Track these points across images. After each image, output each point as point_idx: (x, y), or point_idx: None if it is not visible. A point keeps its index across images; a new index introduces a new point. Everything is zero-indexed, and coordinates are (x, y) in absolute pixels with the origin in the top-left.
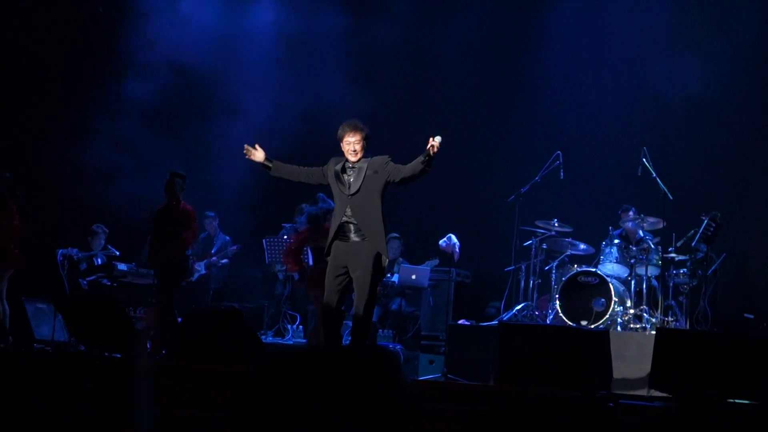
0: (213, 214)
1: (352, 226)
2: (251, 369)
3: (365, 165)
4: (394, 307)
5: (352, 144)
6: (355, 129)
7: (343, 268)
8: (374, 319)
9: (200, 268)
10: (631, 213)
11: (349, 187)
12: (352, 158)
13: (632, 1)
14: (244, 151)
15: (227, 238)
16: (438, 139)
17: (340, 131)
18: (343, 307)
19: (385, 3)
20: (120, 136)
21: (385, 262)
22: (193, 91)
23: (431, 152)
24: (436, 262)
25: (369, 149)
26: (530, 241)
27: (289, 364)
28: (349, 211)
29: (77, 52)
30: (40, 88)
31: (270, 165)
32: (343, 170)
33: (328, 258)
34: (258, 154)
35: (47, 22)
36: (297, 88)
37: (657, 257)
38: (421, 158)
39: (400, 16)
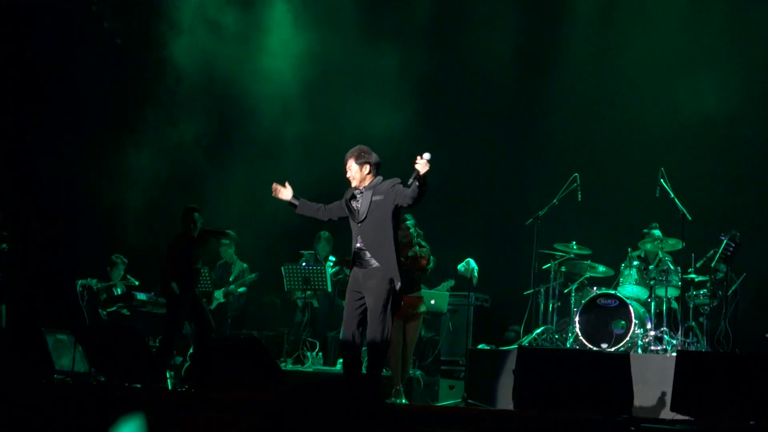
0: (228, 241)
1: (364, 253)
2: (272, 399)
3: (372, 190)
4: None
5: (348, 171)
6: (349, 156)
7: (359, 294)
8: None
9: (218, 296)
10: (656, 231)
11: (358, 214)
12: (353, 184)
13: (648, 20)
14: (273, 189)
15: (245, 265)
16: (426, 156)
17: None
18: (362, 334)
19: (401, 29)
20: (140, 168)
21: (398, 286)
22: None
23: (420, 173)
24: (451, 283)
25: (383, 173)
26: (549, 264)
27: (304, 394)
28: (359, 238)
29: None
30: (63, 119)
31: (296, 203)
32: (353, 198)
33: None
34: (286, 193)
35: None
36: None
37: (677, 278)
38: (410, 181)
39: (415, 42)
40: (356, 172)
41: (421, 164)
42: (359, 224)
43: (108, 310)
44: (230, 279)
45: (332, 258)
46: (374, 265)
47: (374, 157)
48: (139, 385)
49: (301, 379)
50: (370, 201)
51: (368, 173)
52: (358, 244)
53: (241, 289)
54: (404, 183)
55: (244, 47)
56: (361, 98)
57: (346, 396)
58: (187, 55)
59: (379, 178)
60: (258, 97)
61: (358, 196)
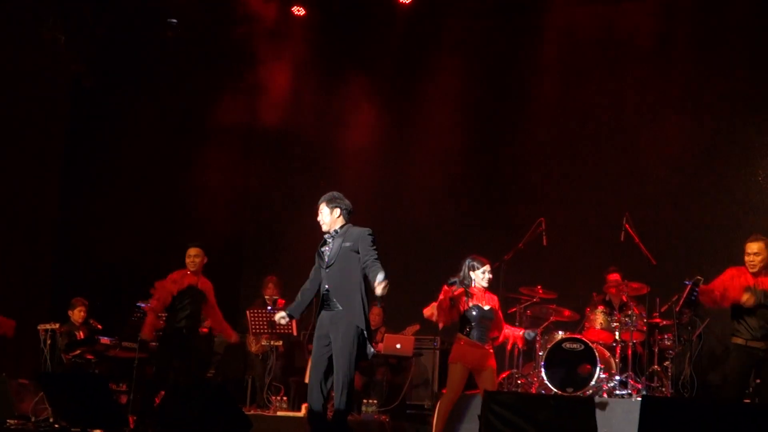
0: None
1: (331, 298)
2: None
3: (342, 237)
4: (378, 376)
5: (319, 214)
6: (321, 200)
7: (327, 338)
8: (359, 388)
9: None
10: (614, 275)
11: (327, 259)
12: (323, 228)
13: (614, 68)
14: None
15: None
16: (380, 283)
17: None
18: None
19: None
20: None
21: (365, 334)
22: None
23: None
24: (416, 327)
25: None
26: (515, 309)
27: None
28: (326, 284)
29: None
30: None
31: (295, 317)
32: (323, 244)
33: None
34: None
35: None
36: None
37: (641, 323)
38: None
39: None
40: (327, 216)
41: (380, 290)
42: (326, 269)
43: (70, 353)
44: None
45: None
46: (339, 309)
47: (346, 203)
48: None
49: (267, 425)
50: (340, 247)
51: (338, 217)
52: (326, 286)
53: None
54: (373, 240)
55: None
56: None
57: None
58: None
59: (349, 225)
60: None
61: (329, 240)
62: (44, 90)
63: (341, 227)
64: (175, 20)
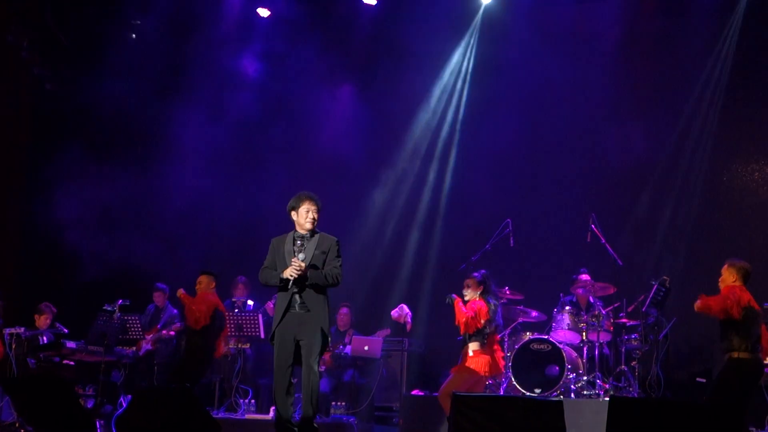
0: (164, 287)
1: (302, 301)
2: None
3: (316, 242)
4: (346, 378)
5: (311, 212)
6: (313, 201)
7: (293, 342)
8: (327, 390)
9: (147, 343)
10: (585, 276)
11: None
12: (307, 226)
13: (579, 71)
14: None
15: (175, 311)
16: (301, 256)
17: (294, 201)
18: (294, 380)
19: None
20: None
21: (328, 338)
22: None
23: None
24: (387, 331)
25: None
26: None
27: None
28: (296, 288)
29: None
30: None
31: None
32: (294, 242)
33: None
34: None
35: None
36: None
37: (608, 323)
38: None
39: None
40: (317, 215)
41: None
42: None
43: (37, 356)
44: (159, 326)
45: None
46: (308, 312)
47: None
48: None
49: (236, 428)
50: (313, 254)
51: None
52: (296, 289)
53: (171, 334)
54: (340, 250)
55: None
56: None
57: None
58: None
59: (319, 233)
60: None
61: (299, 241)
62: (7, 94)
63: (312, 231)
64: (138, 21)
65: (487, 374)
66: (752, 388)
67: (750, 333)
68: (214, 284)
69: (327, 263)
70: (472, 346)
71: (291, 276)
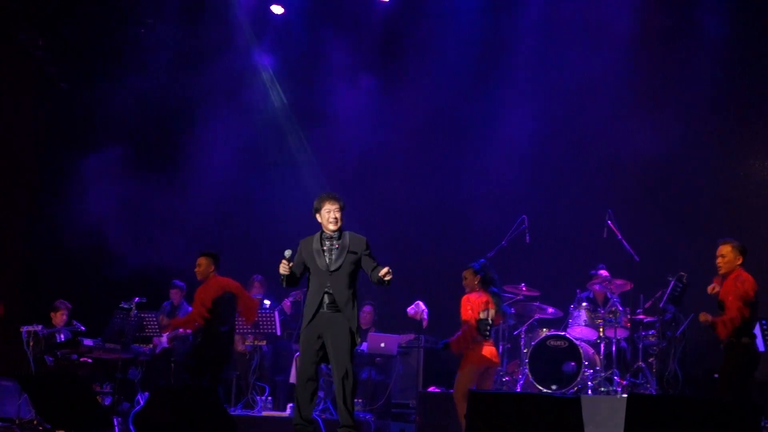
0: (182, 284)
1: (332, 301)
2: None
3: (346, 243)
4: (363, 375)
5: (332, 212)
6: (336, 200)
7: (319, 340)
8: None
9: (163, 341)
10: (603, 271)
11: (330, 263)
12: (331, 227)
13: (589, 66)
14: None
15: (190, 308)
16: (287, 253)
17: (317, 203)
18: (317, 378)
19: (349, 73)
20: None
21: (357, 339)
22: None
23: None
24: (410, 337)
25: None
26: None
27: None
28: (328, 287)
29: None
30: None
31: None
32: (322, 244)
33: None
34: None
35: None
36: None
37: (625, 319)
38: (381, 280)
39: (361, 85)
40: (340, 220)
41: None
42: (330, 273)
43: (56, 354)
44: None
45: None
46: (336, 312)
47: None
48: None
49: (252, 425)
50: (345, 254)
51: (342, 220)
52: (327, 288)
53: (188, 331)
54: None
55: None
56: None
57: None
58: None
59: (347, 232)
60: None
61: (328, 242)
62: (20, 93)
63: (339, 231)
64: (150, 20)
65: (489, 364)
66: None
67: (753, 318)
68: (213, 267)
69: (367, 265)
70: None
71: (282, 273)
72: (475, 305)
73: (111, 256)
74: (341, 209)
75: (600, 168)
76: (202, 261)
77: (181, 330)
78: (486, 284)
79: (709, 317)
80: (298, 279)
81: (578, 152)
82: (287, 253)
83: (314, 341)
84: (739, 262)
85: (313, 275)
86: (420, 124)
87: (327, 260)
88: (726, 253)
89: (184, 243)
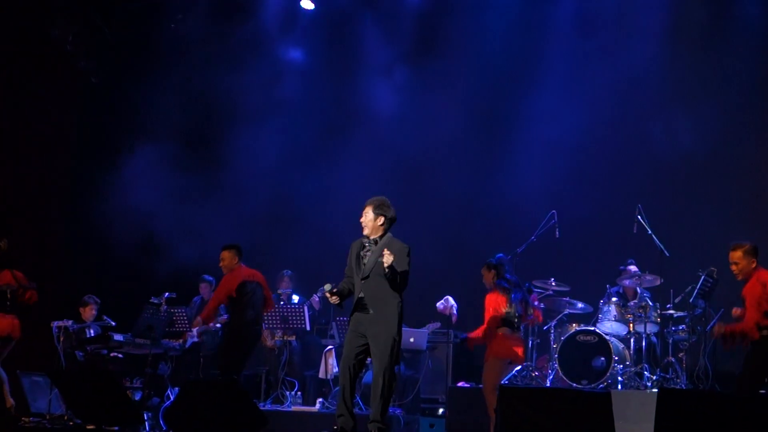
0: (211, 279)
1: (366, 305)
2: None
3: (380, 248)
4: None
5: (363, 216)
6: (369, 203)
7: (363, 337)
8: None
9: (193, 335)
10: (633, 267)
11: (364, 270)
12: (365, 231)
13: (624, 60)
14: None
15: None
16: (327, 287)
17: None
18: (357, 376)
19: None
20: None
21: (395, 338)
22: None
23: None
24: (437, 325)
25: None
26: None
27: None
28: (361, 293)
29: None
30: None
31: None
32: (362, 248)
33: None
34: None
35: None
36: None
37: (655, 314)
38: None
39: (397, 86)
40: (370, 221)
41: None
42: (362, 280)
43: (85, 349)
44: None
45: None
46: (374, 314)
47: (391, 212)
48: (116, 428)
49: (282, 420)
50: (376, 262)
51: (381, 225)
52: (361, 294)
53: (217, 326)
54: (409, 260)
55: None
56: None
57: None
58: None
59: (389, 235)
60: None
61: (367, 245)
62: (52, 88)
63: (381, 236)
64: (181, 15)
65: (513, 359)
66: None
67: None
68: (237, 259)
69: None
70: (501, 331)
71: (334, 303)
72: (499, 302)
73: (141, 251)
74: (371, 213)
75: (631, 163)
76: (226, 254)
77: (210, 324)
78: (499, 279)
79: (723, 328)
80: (351, 291)
81: (609, 147)
82: (327, 287)
83: (357, 337)
84: (753, 265)
85: (355, 278)
86: (454, 121)
87: (362, 266)
88: (738, 260)
89: (225, 240)
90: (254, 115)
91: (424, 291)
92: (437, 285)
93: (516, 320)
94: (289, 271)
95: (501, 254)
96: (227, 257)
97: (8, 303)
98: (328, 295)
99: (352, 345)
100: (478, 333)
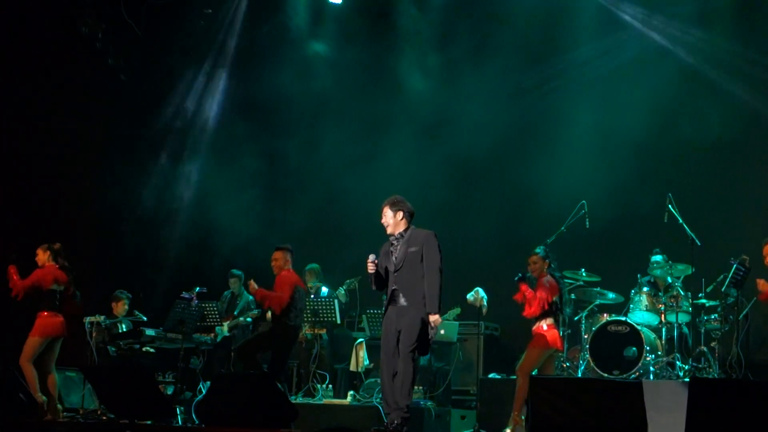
0: (240, 273)
1: (399, 295)
2: None
3: (407, 242)
4: (423, 362)
5: (383, 217)
6: (385, 203)
7: (396, 333)
8: None
9: (221, 330)
10: (657, 257)
11: (395, 264)
12: (388, 230)
13: (653, 46)
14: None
15: (251, 297)
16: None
17: None
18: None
19: (417, 59)
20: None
21: (431, 330)
22: None
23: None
24: (458, 311)
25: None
26: None
27: None
28: (394, 285)
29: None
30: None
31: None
32: (391, 245)
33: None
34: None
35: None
36: None
37: (687, 304)
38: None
39: (429, 74)
40: (390, 218)
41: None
42: (395, 273)
43: (117, 345)
44: (235, 312)
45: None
46: (406, 305)
47: (408, 206)
48: (149, 422)
49: (313, 413)
50: (406, 252)
51: (402, 219)
52: (394, 287)
53: (249, 320)
54: (438, 244)
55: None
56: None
57: None
58: None
59: (412, 227)
60: None
61: (395, 242)
62: (81, 85)
63: (405, 230)
64: (210, 10)
65: (559, 349)
66: None
67: None
68: (290, 261)
69: (425, 262)
70: (548, 321)
71: (370, 271)
72: (553, 291)
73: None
74: (390, 211)
75: (661, 151)
76: (279, 255)
77: (241, 319)
78: (551, 270)
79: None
80: (385, 280)
81: (639, 136)
82: (372, 256)
83: (391, 333)
84: None
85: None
86: (481, 110)
87: (393, 260)
88: None
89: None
90: (295, 114)
91: (448, 280)
92: (464, 276)
93: (559, 310)
94: (316, 265)
95: (543, 244)
96: (280, 258)
97: (58, 303)
98: (369, 263)
99: (390, 345)
100: (536, 309)
